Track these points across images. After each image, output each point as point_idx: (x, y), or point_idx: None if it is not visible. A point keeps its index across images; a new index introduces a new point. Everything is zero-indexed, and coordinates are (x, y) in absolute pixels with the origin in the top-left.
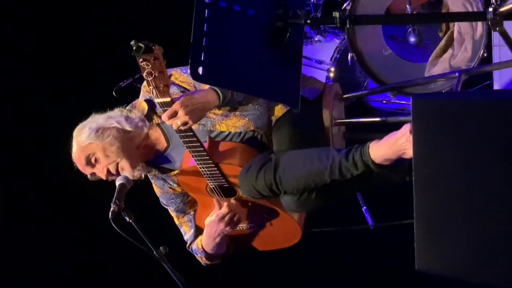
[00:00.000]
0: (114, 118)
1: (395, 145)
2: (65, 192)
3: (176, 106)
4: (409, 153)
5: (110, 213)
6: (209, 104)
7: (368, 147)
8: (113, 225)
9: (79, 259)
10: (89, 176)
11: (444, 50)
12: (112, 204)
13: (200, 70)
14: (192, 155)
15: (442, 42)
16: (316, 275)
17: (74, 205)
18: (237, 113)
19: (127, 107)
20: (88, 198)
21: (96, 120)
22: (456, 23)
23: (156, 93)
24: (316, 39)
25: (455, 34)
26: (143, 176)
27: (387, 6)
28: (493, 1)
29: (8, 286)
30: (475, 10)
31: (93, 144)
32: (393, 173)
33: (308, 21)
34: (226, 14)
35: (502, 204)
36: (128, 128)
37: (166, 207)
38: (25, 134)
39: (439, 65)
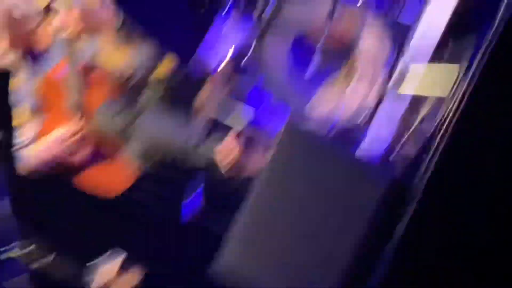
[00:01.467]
0: None
1: None
2: None
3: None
4: None
5: None
6: (104, 24)
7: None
8: None
9: None
10: None
11: (342, 83)
12: None
13: None
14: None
15: (342, 75)
16: None
17: None
18: (125, 51)
19: None
20: None
21: None
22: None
23: None
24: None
25: (357, 72)
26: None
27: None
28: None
29: None
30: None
31: None
32: None
33: None
34: None
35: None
36: (16, 14)
37: (17, 103)
38: None
39: (330, 96)
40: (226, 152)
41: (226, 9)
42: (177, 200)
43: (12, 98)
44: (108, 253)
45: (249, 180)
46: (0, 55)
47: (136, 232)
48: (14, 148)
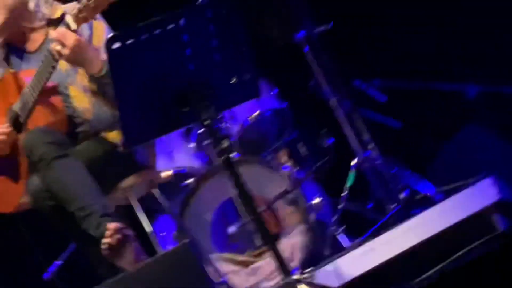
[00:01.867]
0: None
1: None
2: None
3: (71, 36)
4: None
5: None
6: (91, 64)
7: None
8: None
9: None
10: None
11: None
12: None
13: None
14: (34, 77)
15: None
16: None
17: None
18: (93, 99)
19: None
20: None
21: None
22: None
23: (75, 14)
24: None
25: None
26: None
27: None
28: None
29: None
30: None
31: None
32: None
33: None
34: None
35: None
36: (30, 7)
37: None
38: None
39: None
40: None
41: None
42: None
43: None
44: None
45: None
46: None
47: None
48: None
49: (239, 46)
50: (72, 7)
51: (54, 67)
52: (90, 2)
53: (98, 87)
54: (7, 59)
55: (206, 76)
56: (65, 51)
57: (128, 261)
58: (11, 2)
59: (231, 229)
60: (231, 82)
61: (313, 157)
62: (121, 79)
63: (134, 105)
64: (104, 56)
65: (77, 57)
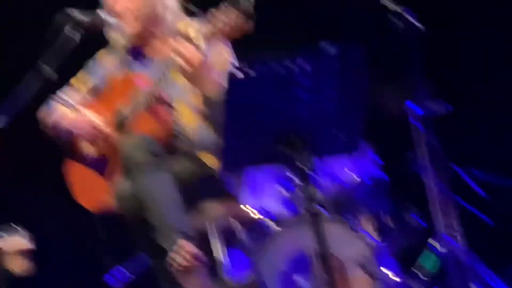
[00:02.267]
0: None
1: None
2: None
3: (197, 55)
4: None
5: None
6: (208, 86)
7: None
8: None
9: None
10: None
11: None
12: None
13: None
14: (150, 84)
15: None
16: None
17: None
18: (199, 119)
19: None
20: None
21: None
22: None
23: (206, 34)
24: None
25: None
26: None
27: None
28: None
29: None
30: None
31: None
32: None
33: None
34: None
35: None
36: (159, 15)
37: (89, 69)
38: None
39: None
40: None
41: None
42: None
43: (90, 63)
44: None
45: None
46: (128, 26)
47: None
48: (53, 96)
49: (355, 103)
50: (203, 25)
51: (170, 79)
52: (225, 27)
53: (208, 109)
54: (127, 61)
55: (314, 122)
56: (188, 68)
57: (193, 285)
58: (145, 11)
59: (301, 283)
60: (336, 134)
61: (397, 231)
62: (234, 107)
63: (239, 134)
64: (222, 81)
65: (197, 77)
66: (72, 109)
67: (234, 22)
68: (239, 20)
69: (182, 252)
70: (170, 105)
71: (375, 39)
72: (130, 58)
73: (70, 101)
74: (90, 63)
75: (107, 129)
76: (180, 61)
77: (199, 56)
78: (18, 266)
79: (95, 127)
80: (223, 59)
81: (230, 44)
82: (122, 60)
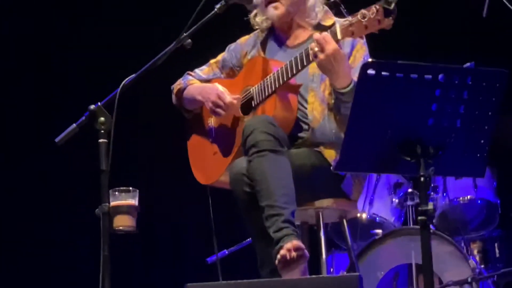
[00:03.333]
0: None
1: None
2: None
3: (332, 44)
4: None
5: None
6: (339, 77)
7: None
8: None
9: None
10: None
11: None
12: None
13: None
14: (282, 68)
15: None
16: None
17: None
18: (326, 112)
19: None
20: None
21: None
22: None
23: (344, 25)
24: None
25: None
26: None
27: None
28: None
29: None
30: None
31: None
32: None
33: None
34: None
35: None
36: (308, 5)
37: (228, 58)
38: None
39: None
40: None
41: None
42: None
43: (231, 46)
44: None
45: None
46: (276, 10)
47: None
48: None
49: (484, 122)
50: (344, 20)
51: (304, 66)
52: (364, 20)
53: (335, 102)
54: (264, 43)
55: (440, 136)
56: (321, 56)
57: (292, 278)
58: None
59: None
60: (463, 155)
61: (504, 261)
62: (361, 104)
63: (361, 133)
64: (354, 77)
65: (329, 66)
66: (203, 82)
67: (377, 18)
68: (381, 17)
69: (288, 244)
70: (299, 93)
71: None
72: (271, 42)
73: (203, 75)
74: (232, 46)
75: (230, 99)
76: (314, 47)
77: (334, 45)
78: (127, 224)
79: (218, 95)
80: (357, 55)
81: (366, 43)
82: (262, 44)
